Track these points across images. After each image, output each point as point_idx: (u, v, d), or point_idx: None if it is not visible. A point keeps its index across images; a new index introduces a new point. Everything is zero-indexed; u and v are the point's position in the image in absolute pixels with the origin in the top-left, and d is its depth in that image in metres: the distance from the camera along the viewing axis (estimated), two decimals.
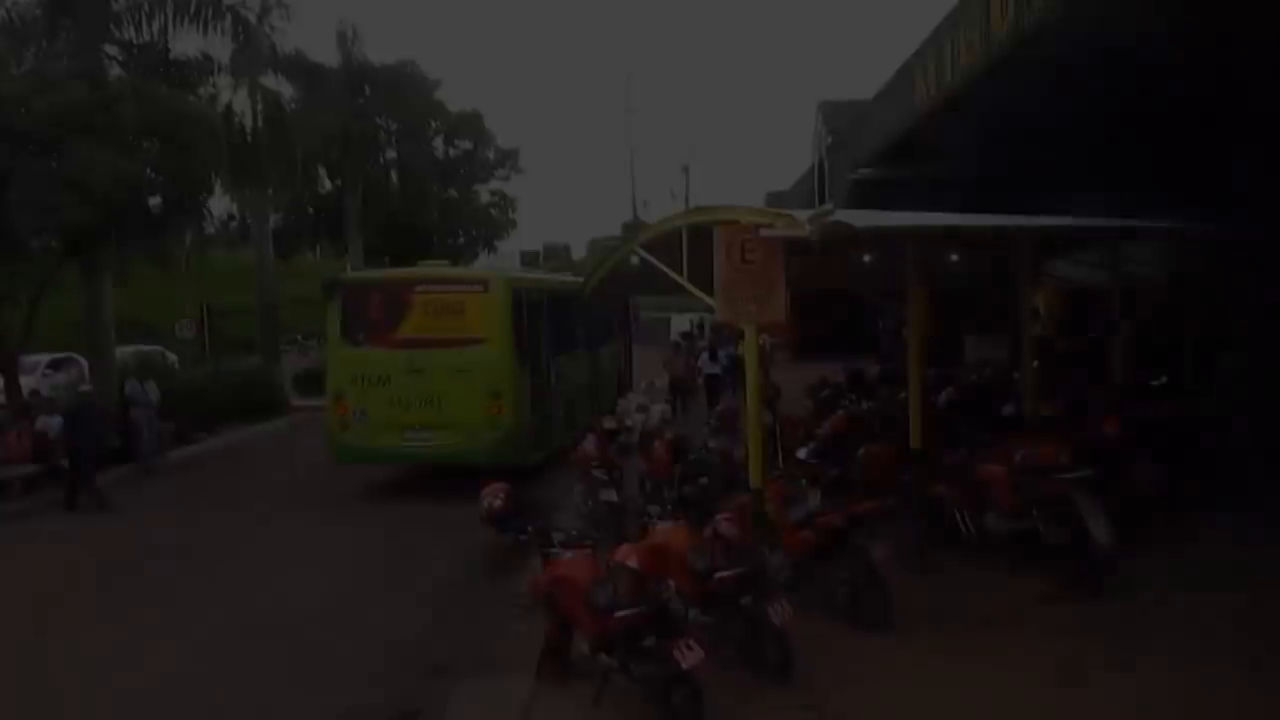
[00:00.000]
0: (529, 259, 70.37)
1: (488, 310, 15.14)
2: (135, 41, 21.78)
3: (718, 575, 7.16)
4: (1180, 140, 13.50)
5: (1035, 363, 13.14)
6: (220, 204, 33.49)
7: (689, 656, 6.22)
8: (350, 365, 15.48)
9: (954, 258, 14.48)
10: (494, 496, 8.09)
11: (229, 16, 23.78)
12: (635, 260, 10.67)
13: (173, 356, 27.98)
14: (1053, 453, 9.20)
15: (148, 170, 17.12)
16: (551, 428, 16.77)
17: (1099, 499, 8.81)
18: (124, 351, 22.64)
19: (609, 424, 12.79)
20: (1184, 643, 7.52)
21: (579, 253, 79.15)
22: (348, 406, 15.38)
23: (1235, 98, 10.88)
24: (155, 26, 21.99)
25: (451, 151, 45.77)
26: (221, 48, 24.33)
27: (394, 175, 39.48)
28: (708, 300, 8.69)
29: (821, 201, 21.56)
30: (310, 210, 41.25)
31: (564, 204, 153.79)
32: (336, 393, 15.56)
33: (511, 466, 14.43)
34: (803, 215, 7.81)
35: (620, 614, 6.41)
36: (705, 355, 23.91)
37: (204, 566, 11.99)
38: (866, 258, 13.24)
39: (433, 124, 42.71)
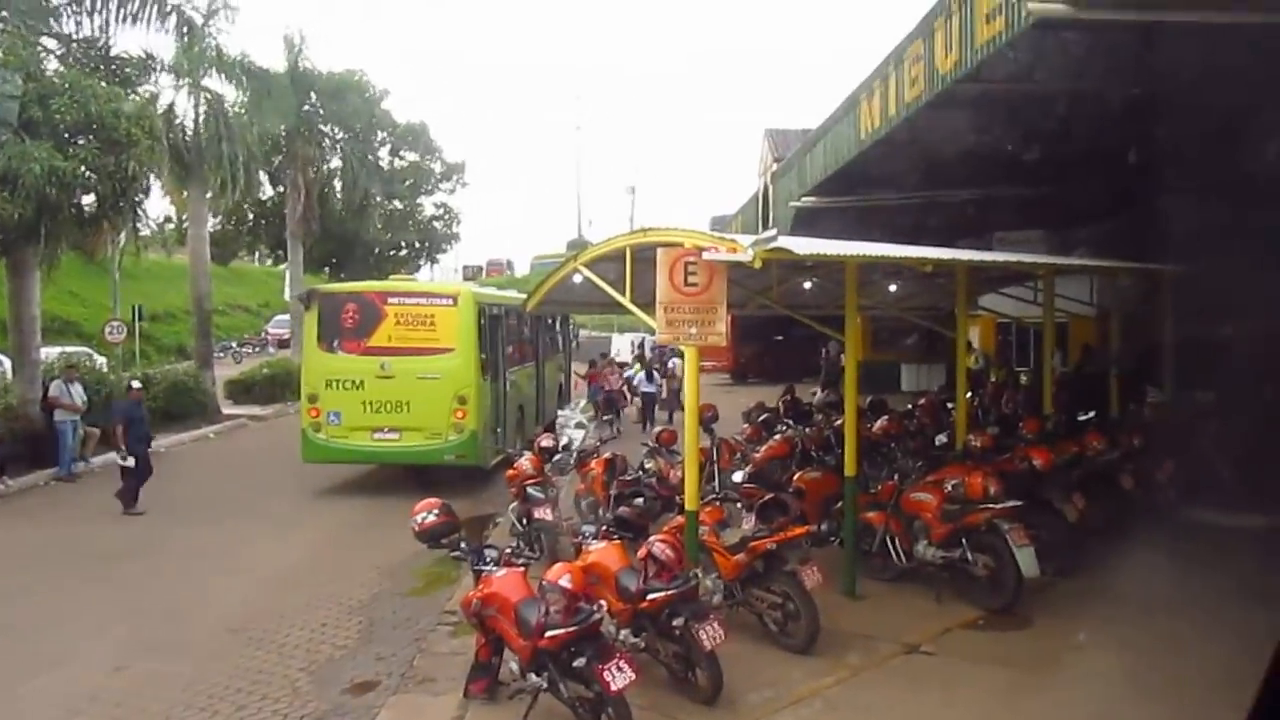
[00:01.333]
0: (471, 273, 70.17)
1: (456, 322, 16.11)
2: (75, 36, 21.37)
3: (650, 596, 7.15)
4: (1109, 181, 13.89)
5: (969, 394, 13.38)
6: (158, 205, 32.97)
7: (619, 678, 6.20)
8: (325, 370, 16.26)
9: (893, 288, 14.71)
10: (427, 512, 7.97)
11: (174, 16, 23.47)
12: (578, 279, 10.66)
13: (100, 359, 27.27)
14: (982, 484, 9.36)
15: (82, 167, 16.72)
16: (506, 432, 17.82)
17: (1026, 530, 8.99)
18: (49, 353, 22.00)
19: (546, 442, 12.73)
20: (1105, 672, 7.66)
21: (522, 269, 78.98)
22: (320, 408, 16.13)
23: (1160, 143, 11.22)
24: (96, 22, 21.62)
25: (397, 162, 45.57)
26: (165, 47, 24.06)
27: (337, 184, 39.10)
28: (649, 321, 8.71)
29: (765, 227, 21.78)
30: (250, 216, 40.74)
31: (508, 220, 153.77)
32: (311, 395, 16.32)
33: (471, 467, 16.07)
34: (746, 239, 7.88)
35: (551, 633, 6.37)
36: (643, 374, 25.07)
37: (123, 577, 11.64)
38: (807, 284, 13.40)
39: (379, 134, 42.48)
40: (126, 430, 15.03)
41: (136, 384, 16.50)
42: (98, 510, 15.39)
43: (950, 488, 9.61)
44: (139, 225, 23.44)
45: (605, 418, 22.17)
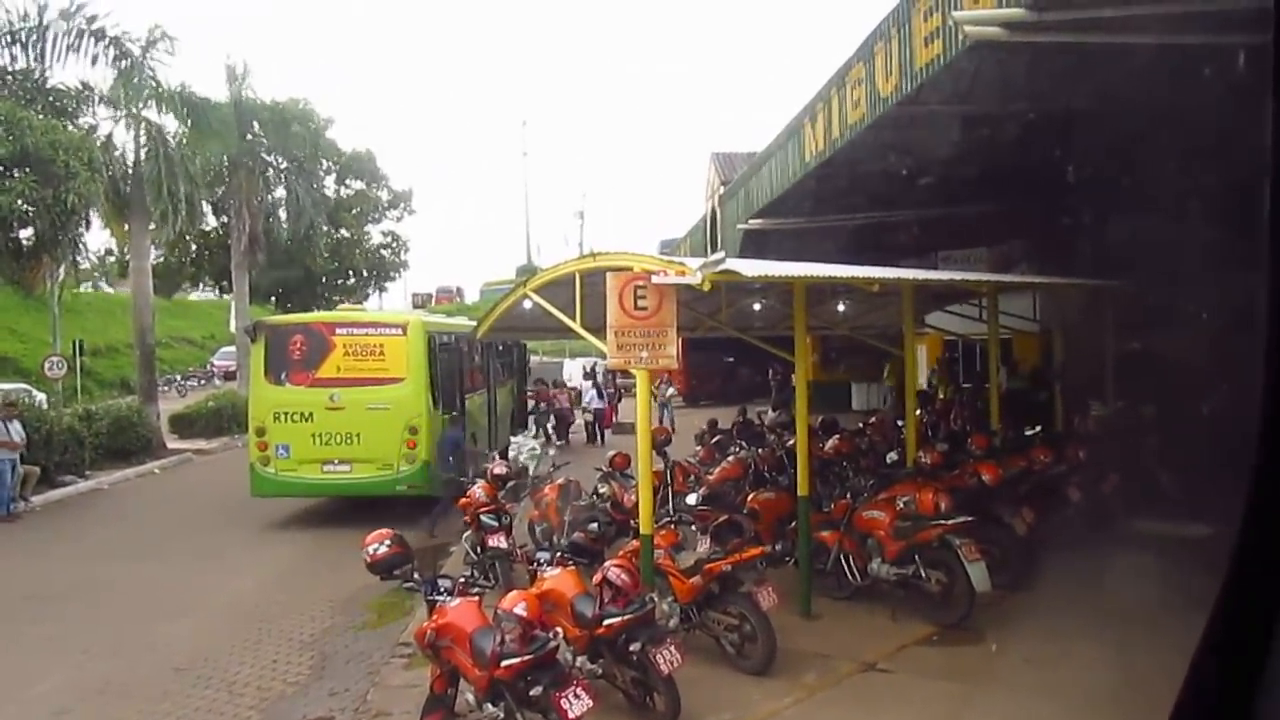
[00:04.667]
0: (420, 301, 69.80)
1: (405, 351, 15.99)
2: (9, 68, 21.04)
3: (607, 622, 7.11)
4: (1048, 198, 14.18)
5: (918, 411, 13.52)
6: (98, 238, 32.46)
7: (577, 705, 6.15)
8: (273, 402, 16.03)
9: (841, 308, 14.86)
10: (379, 543, 7.86)
11: (113, 48, 23.18)
12: (528, 304, 10.64)
13: (40, 395, 26.64)
14: (933, 500, 9.45)
15: (19, 200, 16.41)
16: (460, 461, 17.15)
17: (977, 545, 9.08)
18: None
19: (499, 469, 12.64)
20: (1057, 684, 7.73)
21: (472, 296, 78.71)
22: (268, 442, 15.92)
23: (1095, 160, 11.49)
24: (32, 53, 21.30)
25: (343, 191, 45.26)
26: (104, 79, 23.74)
27: (283, 214, 38.67)
28: (601, 345, 8.72)
29: (714, 249, 21.93)
30: (194, 247, 40.17)
31: (458, 247, 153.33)
32: (259, 428, 16.10)
33: (425, 497, 15.52)
34: (695, 263, 7.93)
35: (507, 662, 6.30)
36: (592, 392, 27.00)
37: (67, 617, 11.35)
38: (757, 306, 13.48)
39: (324, 163, 42.16)
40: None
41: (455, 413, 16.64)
42: (39, 550, 15.03)
43: (902, 505, 9.70)
44: (79, 258, 23.06)
45: (559, 443, 22.47)
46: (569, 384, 30.45)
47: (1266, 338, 1.84)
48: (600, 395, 26.90)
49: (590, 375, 29.89)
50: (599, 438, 26.09)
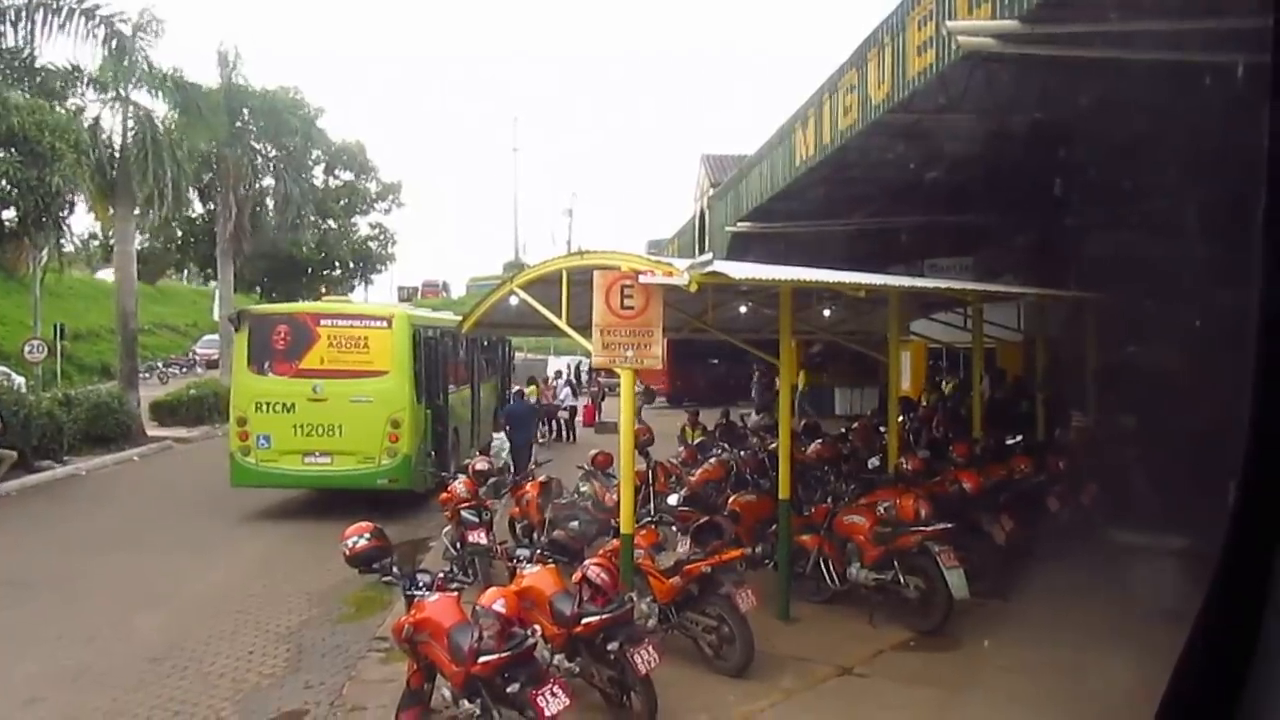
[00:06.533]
0: (406, 295, 69.63)
1: (390, 344, 15.94)
2: None
3: (585, 621, 7.10)
4: (1035, 208, 14.25)
5: (900, 418, 13.56)
6: (83, 221, 32.22)
7: (553, 703, 6.14)
8: (255, 392, 15.97)
9: (827, 313, 14.89)
10: (358, 536, 7.83)
11: (103, 28, 23.00)
12: (515, 301, 10.62)
13: (19, 379, 26.43)
14: (913, 506, 9.48)
15: (3, 180, 16.28)
16: (442, 456, 17.49)
17: (956, 552, 9.12)
18: None
19: (480, 465, 12.61)
20: (1031, 692, 7.77)
21: (458, 291, 78.57)
22: (250, 432, 15.85)
23: (1083, 172, 11.55)
24: (20, 32, 21.12)
25: (332, 181, 45.10)
26: (93, 59, 23.56)
27: (270, 202, 38.46)
28: (586, 344, 8.71)
29: (701, 251, 21.95)
30: (179, 233, 39.94)
31: (445, 241, 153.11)
32: (240, 418, 16.06)
33: (405, 491, 15.81)
34: (682, 263, 7.93)
35: (484, 659, 6.28)
36: (567, 389, 28.10)
37: (40, 605, 11.22)
38: (743, 308, 13.50)
39: (314, 152, 41.99)
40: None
41: (517, 389, 17.40)
42: (14, 536, 14.90)
43: (882, 510, 9.72)
44: (62, 241, 22.87)
45: (541, 441, 22.55)
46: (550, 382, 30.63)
47: (1256, 346, 1.85)
48: (575, 394, 28.07)
49: (574, 376, 30.32)
50: (572, 436, 26.89)
